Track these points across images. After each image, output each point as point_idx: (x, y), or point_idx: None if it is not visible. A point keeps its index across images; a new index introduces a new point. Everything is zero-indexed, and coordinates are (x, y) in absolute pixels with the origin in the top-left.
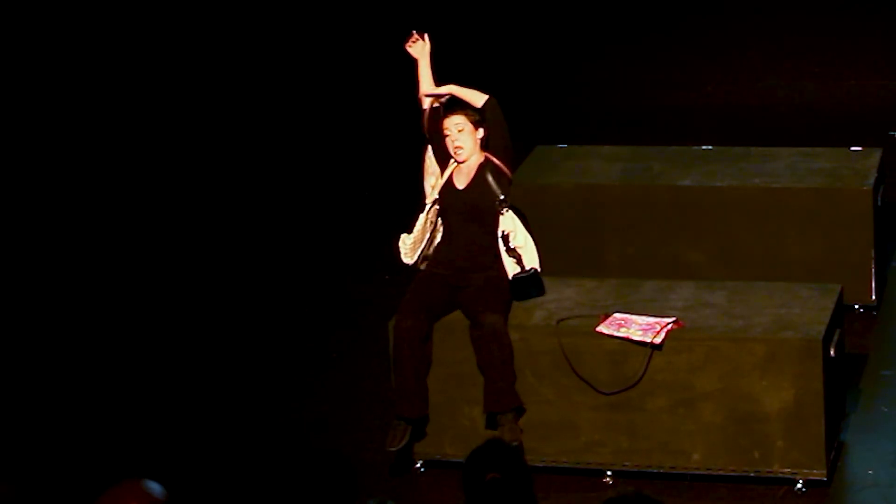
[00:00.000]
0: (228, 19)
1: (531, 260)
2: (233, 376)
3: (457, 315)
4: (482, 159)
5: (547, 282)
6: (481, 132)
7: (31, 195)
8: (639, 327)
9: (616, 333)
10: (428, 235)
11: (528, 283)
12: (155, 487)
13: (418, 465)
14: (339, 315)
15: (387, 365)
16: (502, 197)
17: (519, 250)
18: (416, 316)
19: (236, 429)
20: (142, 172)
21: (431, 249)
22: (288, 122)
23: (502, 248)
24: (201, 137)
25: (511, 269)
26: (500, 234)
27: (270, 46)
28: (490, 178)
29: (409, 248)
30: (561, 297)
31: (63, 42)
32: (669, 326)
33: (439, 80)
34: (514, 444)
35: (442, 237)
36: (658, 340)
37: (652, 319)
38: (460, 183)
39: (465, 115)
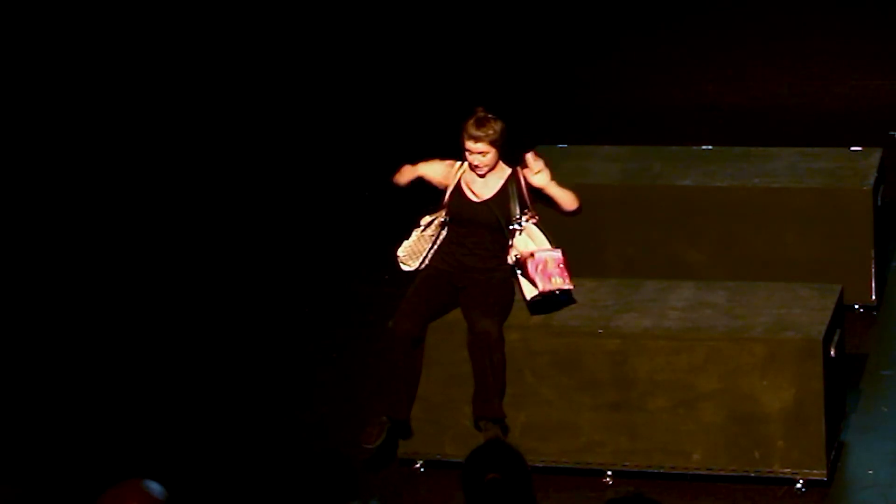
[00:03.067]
0: (228, 19)
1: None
2: (233, 376)
3: (456, 315)
4: (507, 174)
5: None
6: (503, 146)
7: (31, 195)
8: (556, 271)
9: (551, 287)
10: (430, 245)
11: (547, 304)
12: (155, 487)
13: (418, 465)
14: (339, 315)
15: (380, 363)
16: (518, 216)
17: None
18: (413, 320)
19: (236, 429)
20: (143, 173)
21: (434, 251)
22: (288, 122)
23: (518, 271)
24: (202, 138)
25: (528, 291)
26: (513, 255)
27: (270, 46)
28: (512, 197)
29: (407, 257)
30: None
31: (63, 42)
32: (561, 258)
33: (442, 89)
34: None
35: (449, 237)
36: (570, 284)
37: (550, 254)
38: (478, 194)
39: (488, 145)
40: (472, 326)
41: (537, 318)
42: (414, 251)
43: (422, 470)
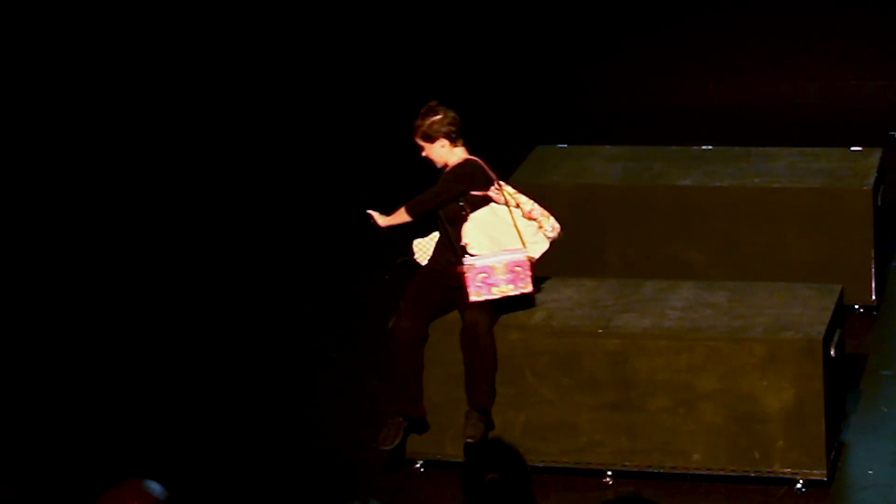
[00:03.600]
0: (228, 19)
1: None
2: (233, 376)
3: (456, 315)
4: (458, 162)
5: (547, 282)
6: (443, 141)
7: (31, 195)
8: (504, 278)
9: (490, 296)
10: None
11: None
12: (155, 487)
13: (418, 465)
14: (339, 315)
15: (386, 365)
16: (461, 203)
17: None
18: (416, 317)
19: (236, 429)
20: (143, 174)
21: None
22: (288, 123)
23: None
24: (202, 139)
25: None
26: (462, 243)
27: (270, 47)
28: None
29: (422, 251)
30: (561, 296)
31: (63, 42)
32: (526, 264)
33: (441, 89)
34: (470, 440)
35: (440, 236)
36: (530, 288)
37: (505, 258)
38: None
39: (418, 139)
40: (462, 321)
41: (537, 318)
42: (424, 248)
43: (422, 470)
